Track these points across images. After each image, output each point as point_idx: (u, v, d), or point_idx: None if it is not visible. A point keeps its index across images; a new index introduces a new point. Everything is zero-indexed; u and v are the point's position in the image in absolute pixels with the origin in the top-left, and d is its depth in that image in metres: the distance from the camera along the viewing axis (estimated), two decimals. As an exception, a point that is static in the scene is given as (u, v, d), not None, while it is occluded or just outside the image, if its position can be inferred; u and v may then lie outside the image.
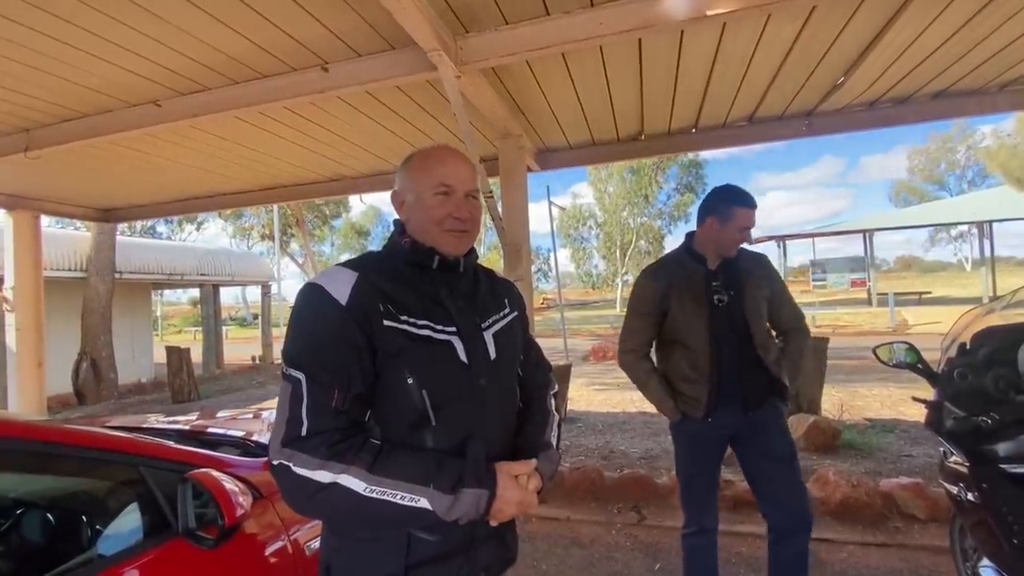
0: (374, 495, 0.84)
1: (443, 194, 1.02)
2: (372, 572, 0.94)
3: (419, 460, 0.90)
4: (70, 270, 9.23)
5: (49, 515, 1.37)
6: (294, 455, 0.85)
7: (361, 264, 1.00)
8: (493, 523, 0.96)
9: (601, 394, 7.50)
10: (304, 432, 0.86)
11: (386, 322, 0.93)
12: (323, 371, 0.88)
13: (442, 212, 1.02)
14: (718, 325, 1.95)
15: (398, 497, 0.85)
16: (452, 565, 0.97)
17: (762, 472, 2.00)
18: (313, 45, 2.56)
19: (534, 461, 1.01)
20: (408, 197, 1.05)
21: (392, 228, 1.12)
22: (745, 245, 2.02)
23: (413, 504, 0.85)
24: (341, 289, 0.93)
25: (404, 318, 0.95)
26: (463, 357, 0.99)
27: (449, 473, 0.89)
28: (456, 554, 0.97)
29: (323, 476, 0.83)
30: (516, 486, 0.95)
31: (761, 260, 2.10)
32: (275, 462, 0.86)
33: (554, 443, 1.12)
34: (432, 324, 0.97)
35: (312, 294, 0.94)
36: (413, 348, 0.94)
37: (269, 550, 1.45)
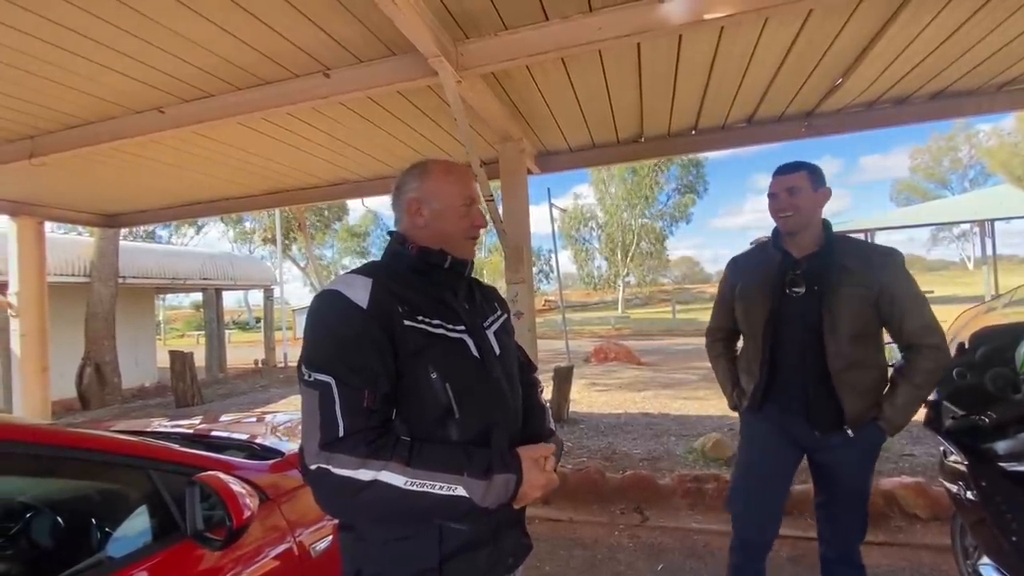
0: (415, 488, 0.88)
1: (467, 204, 1.12)
2: (407, 569, 0.96)
3: (451, 451, 0.94)
4: (74, 275, 9.27)
5: (59, 518, 1.38)
6: (333, 457, 0.87)
7: (372, 271, 1.04)
8: (517, 506, 1.01)
9: (603, 395, 7.51)
10: (341, 433, 0.88)
11: (406, 322, 0.97)
12: (352, 373, 0.91)
13: (467, 221, 1.12)
14: (786, 319, 1.74)
15: (437, 488, 0.89)
16: (482, 553, 1.01)
17: (825, 501, 1.83)
18: (315, 51, 2.58)
19: (552, 446, 1.08)
20: (434, 205, 1.11)
21: (389, 238, 1.17)
22: (870, 239, 1.85)
23: (451, 493, 0.89)
24: (359, 294, 0.97)
25: (420, 318, 1.00)
26: (475, 352, 1.05)
27: (480, 461, 0.94)
28: (485, 542, 1.01)
29: (364, 474, 0.86)
30: (539, 469, 1.00)
31: (875, 253, 1.74)
32: (312, 466, 0.88)
33: (554, 431, 1.21)
34: (444, 323, 1.03)
35: (332, 299, 0.97)
36: (433, 345, 0.99)
37: (276, 552, 1.46)
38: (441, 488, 0.89)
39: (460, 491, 0.90)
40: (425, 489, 0.88)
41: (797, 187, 1.73)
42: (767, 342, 1.78)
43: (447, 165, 1.15)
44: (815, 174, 1.75)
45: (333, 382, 0.90)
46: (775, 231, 1.86)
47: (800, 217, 1.73)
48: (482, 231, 1.17)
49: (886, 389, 1.71)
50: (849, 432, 1.68)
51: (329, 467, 0.86)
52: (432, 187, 1.11)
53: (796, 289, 1.73)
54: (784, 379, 1.77)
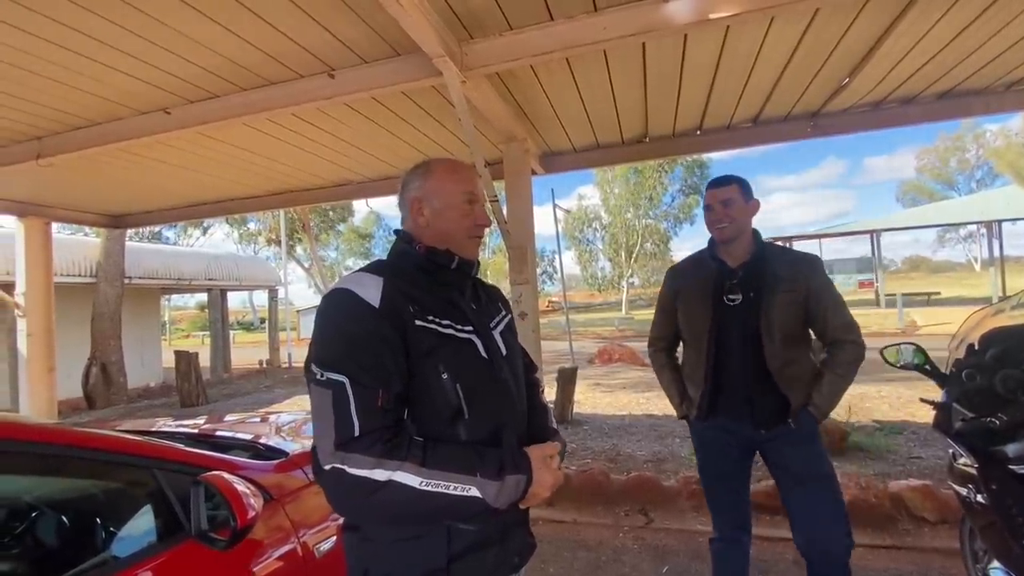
0: (429, 488, 0.87)
1: (469, 203, 1.10)
2: (416, 570, 0.96)
3: (464, 451, 0.94)
4: (80, 276, 9.34)
5: (64, 517, 1.38)
6: (348, 457, 0.86)
7: (381, 269, 1.04)
8: (523, 506, 1.01)
9: (607, 396, 7.49)
10: (357, 432, 0.87)
11: (417, 322, 0.97)
12: (365, 372, 0.90)
13: (469, 220, 1.11)
14: (726, 326, 1.86)
15: (451, 488, 0.88)
16: (489, 553, 1.00)
17: (789, 495, 1.86)
18: (320, 52, 2.59)
19: (557, 444, 1.08)
20: (434, 203, 1.10)
21: (395, 237, 1.16)
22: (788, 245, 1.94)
23: (465, 493, 0.89)
24: (371, 293, 0.96)
25: (431, 318, 0.99)
26: (483, 353, 1.05)
27: (492, 461, 0.93)
28: (493, 542, 1.01)
29: (380, 474, 0.85)
30: (548, 469, 1.00)
31: (801, 261, 1.89)
32: (327, 466, 0.87)
33: (556, 430, 1.21)
34: (454, 324, 1.02)
35: (344, 298, 0.97)
36: (444, 345, 0.99)
37: (280, 552, 1.46)
38: (455, 489, 0.88)
39: (474, 492, 0.89)
40: (440, 490, 0.87)
41: (731, 199, 1.85)
42: (710, 350, 1.88)
43: (450, 164, 1.14)
44: (745, 187, 1.89)
45: (347, 381, 0.89)
46: (710, 242, 1.98)
47: (735, 226, 1.86)
48: (485, 231, 1.16)
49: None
50: (791, 424, 1.81)
51: (344, 467, 0.86)
52: (434, 186, 1.11)
53: (733, 297, 1.86)
54: (728, 384, 1.88)
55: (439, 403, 0.96)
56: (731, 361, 1.86)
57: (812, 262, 1.89)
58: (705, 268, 1.95)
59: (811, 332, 1.90)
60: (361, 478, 0.85)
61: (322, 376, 0.91)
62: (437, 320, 1.00)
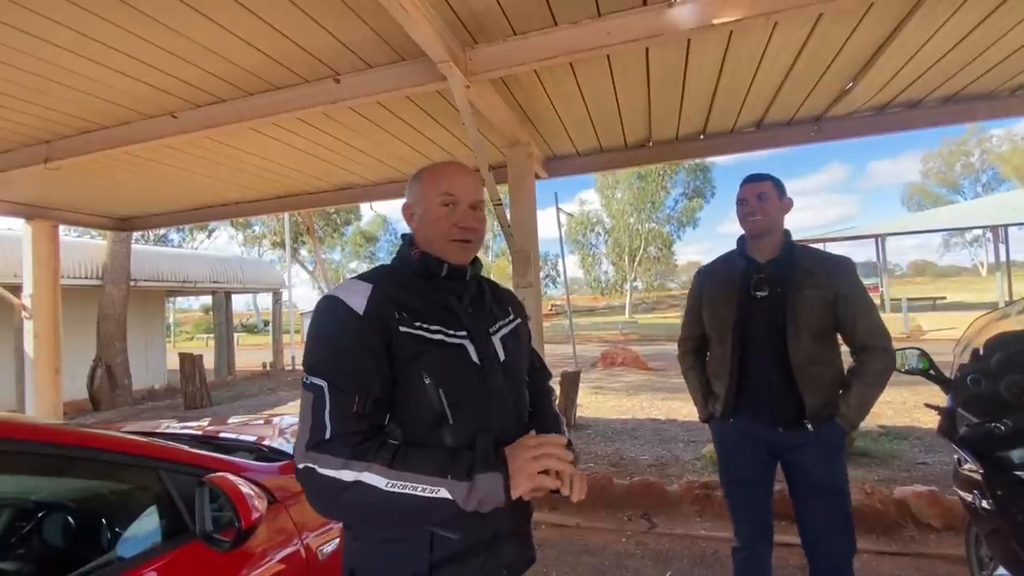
0: (395, 489, 0.87)
1: (448, 205, 1.07)
2: (398, 572, 0.96)
3: (435, 454, 0.93)
4: (86, 278, 9.39)
5: (70, 518, 1.39)
6: (319, 457, 0.88)
7: (374, 276, 1.05)
8: (515, 495, 0.91)
9: (610, 400, 7.48)
10: (328, 435, 0.89)
11: (402, 328, 0.98)
12: (344, 378, 0.92)
13: (447, 223, 1.07)
14: (752, 321, 1.84)
15: (419, 490, 0.88)
16: (475, 563, 0.99)
17: (800, 504, 1.85)
18: (325, 57, 2.61)
19: (556, 436, 0.99)
20: (417, 209, 1.10)
21: (401, 241, 1.17)
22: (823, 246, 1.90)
23: (434, 495, 0.88)
24: (357, 300, 0.98)
25: (418, 324, 1.00)
26: (475, 358, 1.03)
27: (462, 462, 0.92)
28: (479, 552, 0.99)
29: (347, 475, 0.87)
30: (526, 456, 0.92)
31: (831, 261, 1.85)
32: (300, 466, 0.90)
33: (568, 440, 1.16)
34: (444, 329, 1.02)
35: (330, 306, 0.99)
36: (428, 351, 0.98)
37: (283, 553, 1.47)
38: (424, 490, 0.88)
39: (443, 493, 0.88)
40: (407, 491, 0.88)
41: (765, 194, 1.85)
42: (735, 344, 1.86)
43: (435, 168, 1.12)
44: (779, 185, 1.89)
45: (326, 386, 0.92)
46: (740, 239, 1.98)
47: (767, 220, 1.85)
48: (473, 234, 1.08)
49: (841, 389, 1.81)
50: (809, 427, 1.76)
51: (315, 467, 0.88)
52: (419, 192, 1.10)
53: (760, 292, 1.84)
54: (752, 380, 1.86)
55: (422, 408, 0.97)
56: (756, 356, 1.84)
57: (841, 263, 1.85)
58: (733, 264, 1.95)
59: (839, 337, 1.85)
60: (330, 478, 0.87)
61: (307, 380, 0.95)
62: (426, 326, 1.00)
